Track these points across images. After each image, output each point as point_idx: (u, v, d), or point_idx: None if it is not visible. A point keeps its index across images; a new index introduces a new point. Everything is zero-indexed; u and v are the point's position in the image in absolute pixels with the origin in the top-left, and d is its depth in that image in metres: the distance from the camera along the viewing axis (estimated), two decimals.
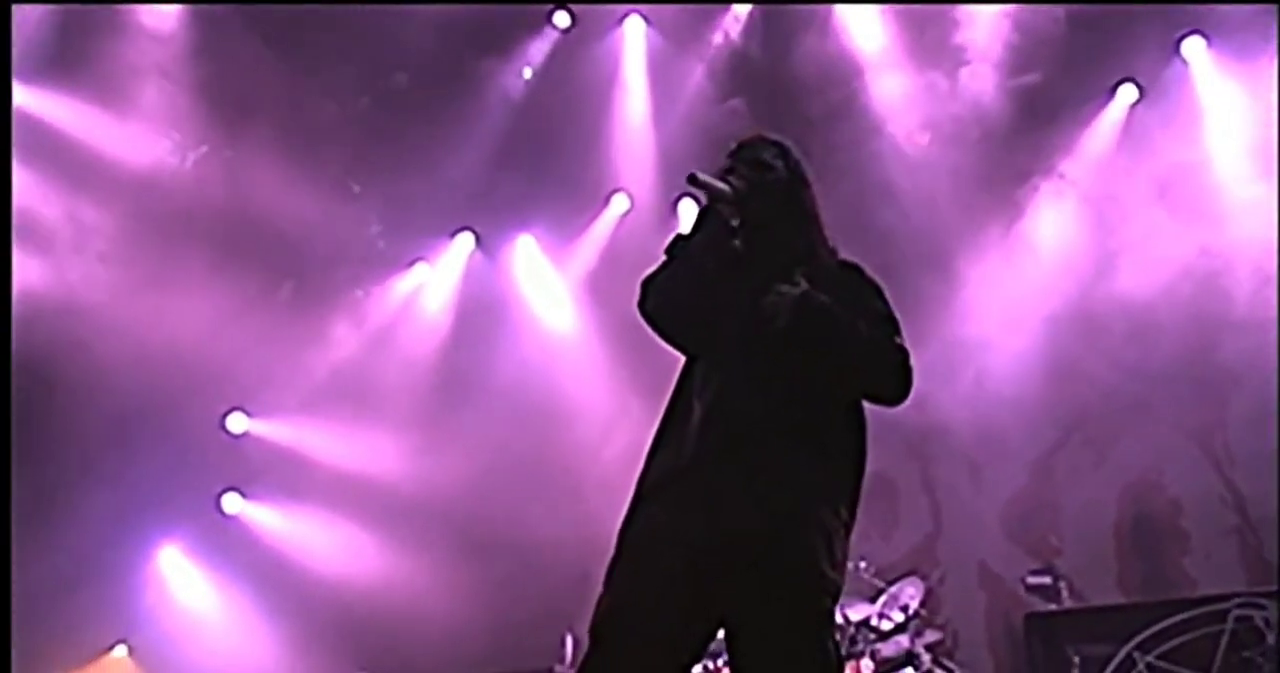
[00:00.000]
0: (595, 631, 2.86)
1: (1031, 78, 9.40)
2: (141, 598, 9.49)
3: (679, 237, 3.09)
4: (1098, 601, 8.47)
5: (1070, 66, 9.28)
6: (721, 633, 2.90)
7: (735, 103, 9.95)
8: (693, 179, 2.99)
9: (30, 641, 8.66)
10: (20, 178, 9.00)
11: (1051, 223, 9.33)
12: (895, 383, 2.93)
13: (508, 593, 8.42)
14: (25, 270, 8.86)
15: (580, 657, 7.85)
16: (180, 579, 9.52)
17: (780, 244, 3.06)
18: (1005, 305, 9.12)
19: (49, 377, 8.63)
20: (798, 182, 3.13)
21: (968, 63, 9.32)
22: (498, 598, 8.53)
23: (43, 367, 8.58)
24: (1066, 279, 9.13)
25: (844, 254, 3.24)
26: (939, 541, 9.45)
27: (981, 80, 9.27)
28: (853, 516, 2.96)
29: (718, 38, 9.71)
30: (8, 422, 6.77)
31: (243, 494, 9.70)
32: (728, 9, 9.66)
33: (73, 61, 9.13)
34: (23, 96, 9.07)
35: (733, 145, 3.21)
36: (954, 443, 9.38)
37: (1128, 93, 9.18)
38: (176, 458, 9.25)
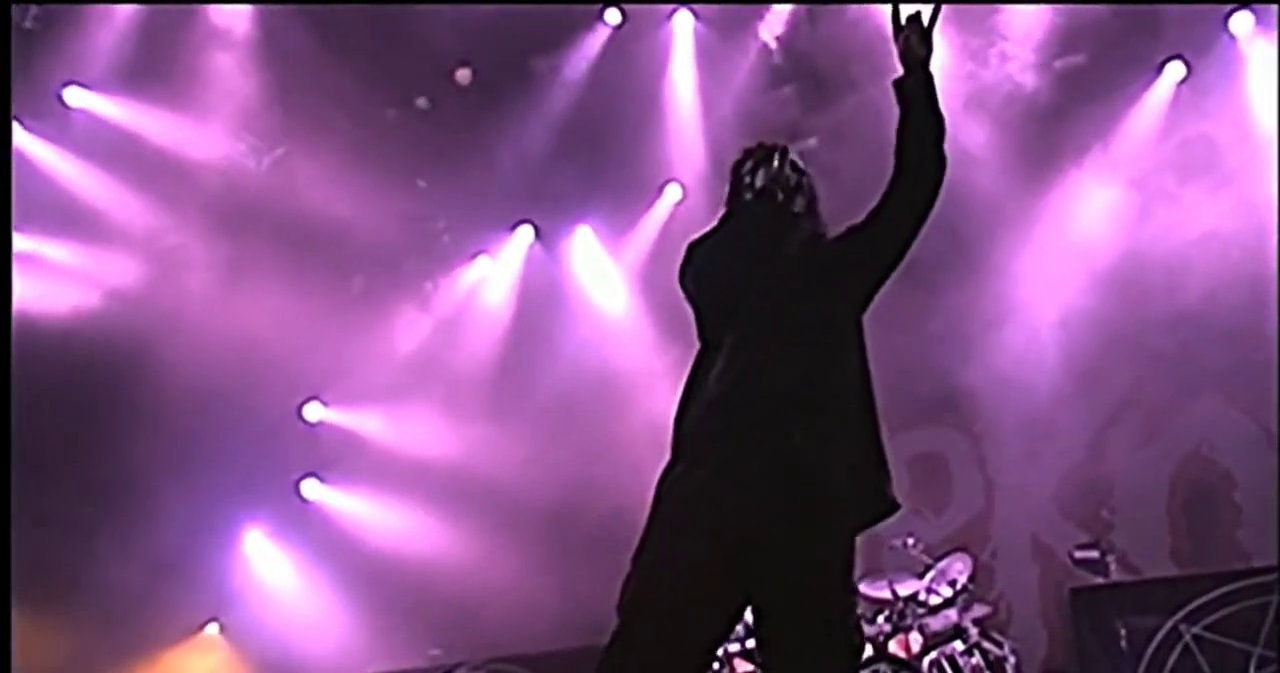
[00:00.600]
0: (624, 611, 2.89)
1: (1076, 58, 9.39)
2: (230, 579, 9.90)
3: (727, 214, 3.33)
4: (1152, 573, 8.54)
5: (1116, 45, 9.24)
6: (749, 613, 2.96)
7: (785, 91, 10.04)
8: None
9: (129, 620, 9.15)
10: (105, 181, 9.46)
11: (1099, 200, 9.31)
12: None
13: (575, 569, 8.60)
14: (114, 271, 9.30)
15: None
16: (264, 561, 9.92)
17: (809, 231, 3.27)
18: (1054, 283, 9.15)
19: (136, 370, 8.97)
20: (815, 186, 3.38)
21: (1010, 42, 9.31)
22: (566, 574, 8.73)
23: (131, 360, 8.97)
24: (1116, 257, 9.11)
25: None
26: (991, 517, 9.53)
27: (1025, 60, 9.25)
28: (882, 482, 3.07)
29: (764, 28, 9.76)
30: (8, 422, 6.74)
31: (320, 479, 10.07)
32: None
33: (152, 71, 9.49)
34: (106, 104, 9.53)
35: (766, 146, 3.43)
36: (1005, 420, 9.43)
37: (1175, 70, 9.12)
38: (258, 446, 9.60)
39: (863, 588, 7.99)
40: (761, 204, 3.26)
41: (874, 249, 3.12)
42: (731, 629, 2.98)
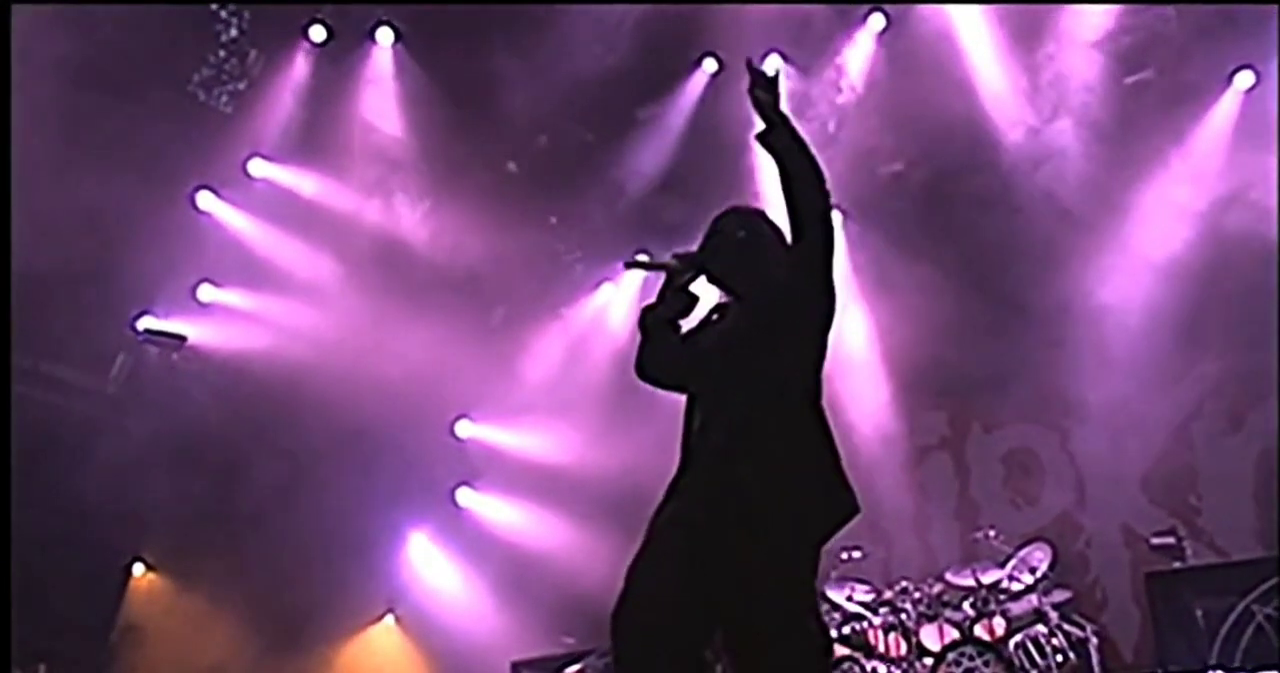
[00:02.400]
0: (613, 622, 3.12)
1: (1145, 74, 9.45)
2: (400, 576, 10.76)
3: (646, 307, 3.52)
4: (1238, 557, 8.55)
5: (1184, 56, 9.25)
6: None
7: (873, 122, 10.34)
8: (631, 264, 3.67)
9: (322, 611, 10.02)
10: (281, 238, 10.38)
11: (1179, 203, 9.32)
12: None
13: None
14: (290, 314, 10.19)
15: None
16: (428, 560, 10.76)
17: (736, 288, 3.44)
18: (1137, 282, 9.22)
19: (313, 397, 9.66)
20: (754, 238, 3.42)
21: (1079, 51, 9.39)
22: None
23: (307, 389, 9.69)
24: (1197, 257, 9.12)
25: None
26: (1084, 507, 9.67)
27: (1095, 69, 9.32)
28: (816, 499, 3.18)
29: (847, 63, 10.11)
30: (8, 423, 6.78)
31: (472, 488, 10.84)
32: (853, 36, 10.05)
33: (318, 142, 10.38)
34: (282, 172, 10.47)
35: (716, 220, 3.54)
36: (1093, 415, 9.55)
37: (1244, 79, 9.10)
38: (418, 461, 10.41)
39: (949, 577, 8.34)
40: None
41: (796, 306, 3.26)
42: (711, 631, 3.15)
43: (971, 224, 10.22)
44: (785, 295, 3.28)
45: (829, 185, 3.27)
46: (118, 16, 9.33)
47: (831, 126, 10.17)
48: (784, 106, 3.31)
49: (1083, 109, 9.33)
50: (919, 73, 9.72)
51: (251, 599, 9.69)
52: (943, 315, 9.79)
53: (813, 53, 10.16)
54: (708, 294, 3.59)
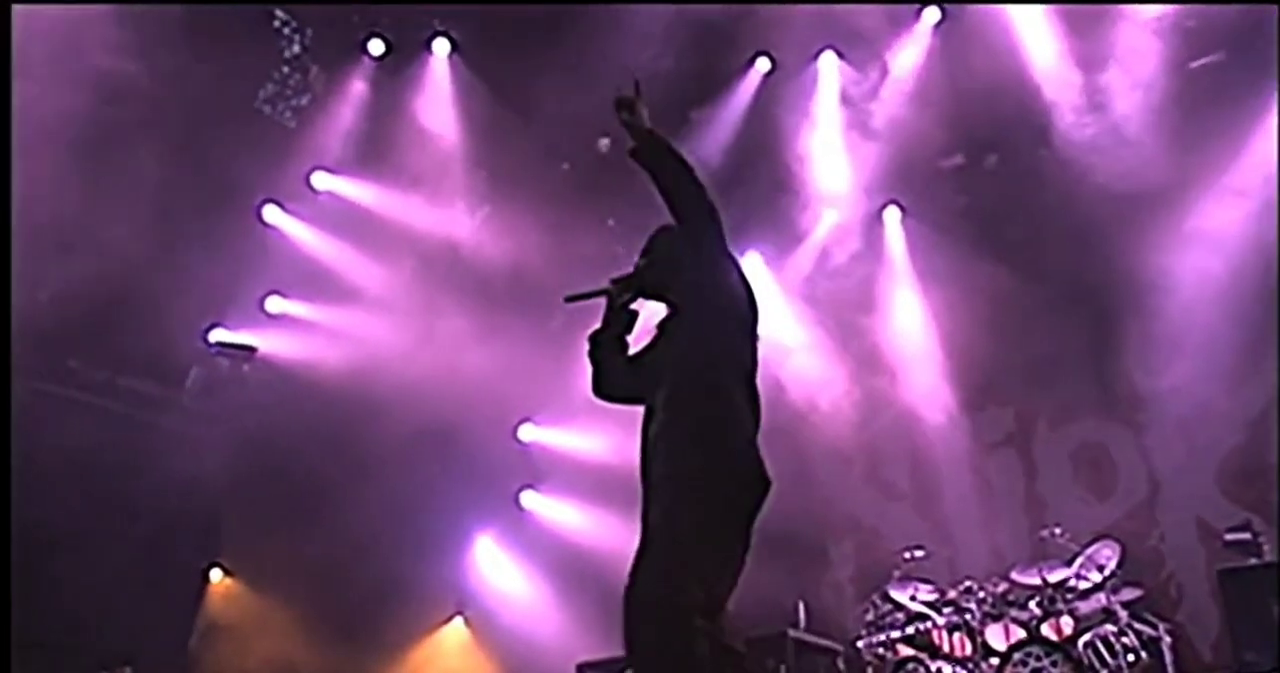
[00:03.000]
0: None
1: (1212, 57, 9.14)
2: (469, 579, 10.79)
3: (593, 333, 3.72)
4: None
5: (1249, 39, 8.92)
6: None
7: (929, 115, 10.12)
8: (568, 298, 3.73)
9: (396, 612, 10.09)
10: (343, 248, 10.50)
11: (1246, 187, 9.00)
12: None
13: (750, 565, 8.96)
14: (355, 324, 10.30)
15: (811, 621, 8.42)
16: (494, 563, 10.78)
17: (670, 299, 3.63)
18: (1207, 269, 8.90)
19: (379, 405, 9.74)
20: (679, 253, 3.57)
21: (1141, 35, 9.10)
22: (746, 573, 9.09)
23: (373, 397, 9.78)
24: (1267, 241, 8.80)
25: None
26: (1156, 502, 9.36)
27: (1157, 53, 9.03)
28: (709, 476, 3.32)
29: (902, 59, 9.91)
30: (8, 424, 6.75)
31: (536, 491, 10.83)
32: (908, 30, 9.85)
33: (378, 153, 10.49)
34: (344, 184, 10.60)
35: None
36: (1165, 409, 9.24)
37: None
38: (483, 465, 10.44)
39: (1014, 576, 8.12)
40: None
41: (704, 301, 3.46)
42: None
43: (1034, 216, 9.97)
44: (694, 294, 3.49)
45: (709, 189, 3.44)
46: (186, 35, 9.55)
47: (887, 122, 9.98)
48: (648, 123, 3.50)
49: (1145, 94, 9.03)
50: (976, 64, 9.52)
51: (324, 602, 9.78)
52: (1005, 310, 9.56)
53: (866, 48, 10.02)
54: (652, 311, 3.75)
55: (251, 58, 10.30)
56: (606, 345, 3.68)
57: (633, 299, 3.67)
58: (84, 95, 8.45)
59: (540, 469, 10.90)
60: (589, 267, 10.89)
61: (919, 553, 8.37)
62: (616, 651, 9.51)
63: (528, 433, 11.02)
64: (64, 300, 9.38)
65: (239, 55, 9.93)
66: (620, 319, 3.68)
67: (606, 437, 10.33)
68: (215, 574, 10.28)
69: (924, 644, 8.01)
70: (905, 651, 8.01)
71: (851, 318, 10.23)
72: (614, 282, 3.65)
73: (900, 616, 8.17)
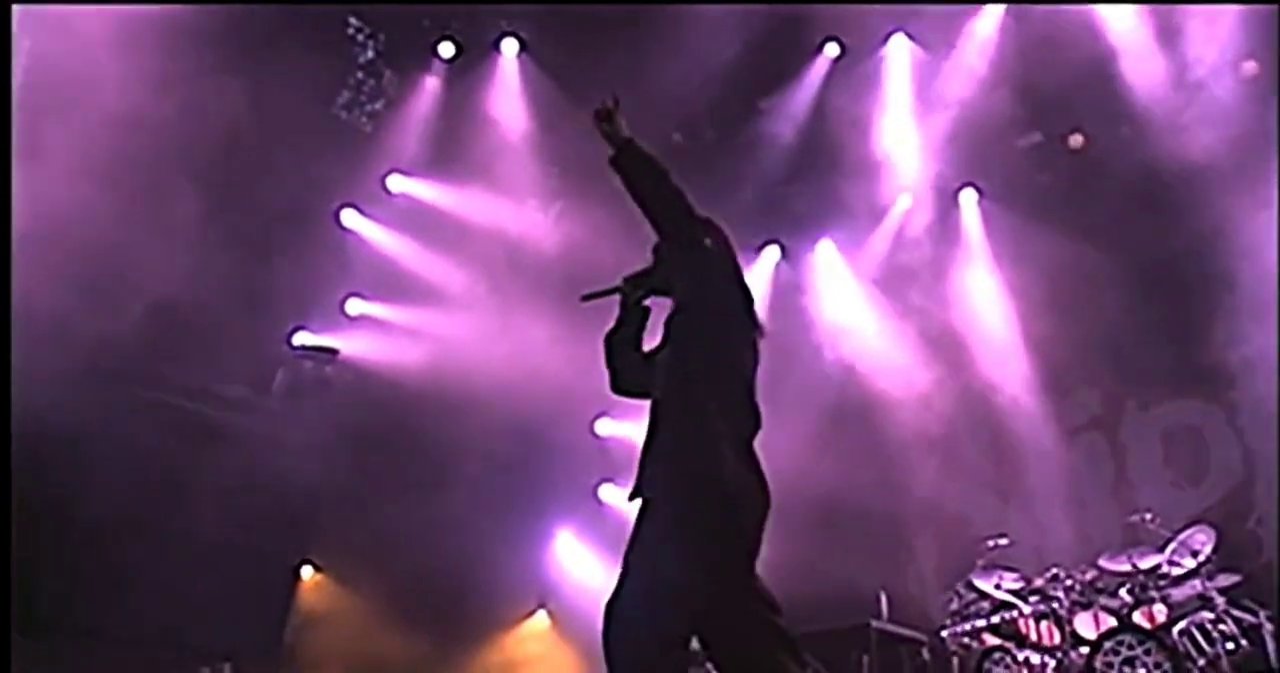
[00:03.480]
0: None
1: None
2: (549, 572, 10.77)
3: (608, 334, 3.82)
4: None
5: None
6: None
7: (1005, 94, 9.82)
8: (584, 297, 3.85)
9: (471, 608, 10.12)
10: (419, 249, 10.56)
11: None
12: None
13: (831, 557, 8.81)
14: (433, 323, 10.36)
15: (896, 613, 8.21)
16: (574, 557, 10.74)
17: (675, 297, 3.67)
18: None
19: (456, 400, 9.75)
20: (681, 257, 3.62)
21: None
22: (823, 561, 8.93)
23: (452, 392, 9.81)
24: None
25: None
26: (1254, 485, 8.94)
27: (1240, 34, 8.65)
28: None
29: (975, 37, 9.62)
30: (8, 425, 6.80)
31: (614, 485, 10.76)
32: (981, 9, 9.56)
33: (450, 155, 10.54)
34: (419, 186, 10.67)
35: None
36: (1260, 388, 8.81)
37: None
38: (562, 460, 10.41)
39: (1102, 563, 7.82)
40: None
41: (688, 305, 3.52)
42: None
43: (1117, 192, 9.59)
44: (684, 298, 3.56)
45: (686, 196, 3.48)
46: (266, 46, 9.70)
47: (960, 103, 9.70)
48: (626, 133, 3.53)
49: (1229, 66, 8.63)
50: (1053, 38, 9.18)
51: (410, 595, 9.85)
52: (1088, 289, 9.23)
53: (939, 29, 9.75)
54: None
55: (328, 65, 10.42)
56: (621, 343, 3.77)
57: (645, 296, 3.75)
58: (168, 107, 8.58)
59: (618, 463, 10.82)
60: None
61: (1003, 541, 8.11)
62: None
63: (605, 427, 10.96)
64: (157, 309, 9.65)
65: (316, 64, 10.03)
66: (635, 316, 3.77)
67: None
68: (306, 571, 10.42)
69: (1010, 634, 7.76)
70: (991, 640, 7.77)
71: (928, 302, 9.97)
72: (627, 280, 3.75)
73: (985, 604, 7.93)
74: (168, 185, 8.88)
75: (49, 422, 7.84)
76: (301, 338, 10.33)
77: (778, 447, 9.54)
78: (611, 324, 3.79)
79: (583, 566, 10.66)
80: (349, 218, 10.56)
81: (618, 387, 3.80)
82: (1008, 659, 7.48)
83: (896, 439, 9.77)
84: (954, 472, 10.23)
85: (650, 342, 3.79)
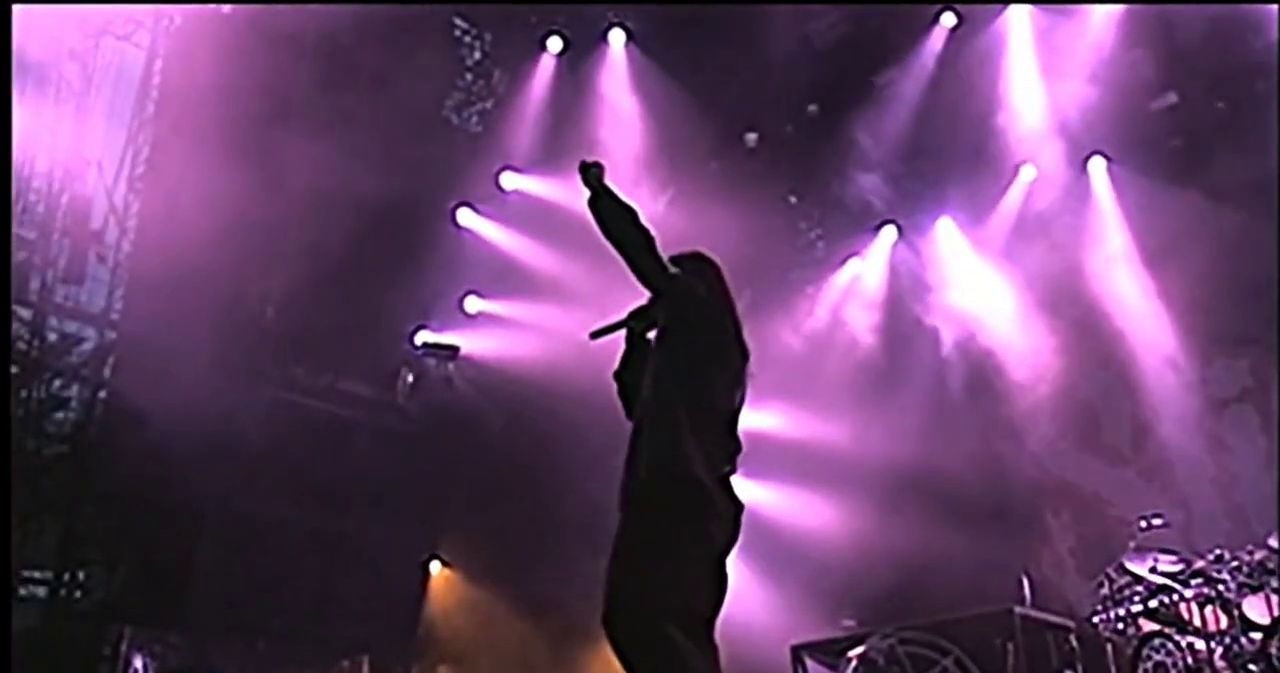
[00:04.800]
0: None
1: None
2: None
3: (615, 372, 3.86)
4: None
5: None
6: None
7: (1137, 56, 9.11)
8: (593, 334, 3.89)
9: (592, 602, 9.80)
10: (533, 245, 10.31)
11: None
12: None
13: (965, 541, 8.28)
14: (548, 318, 10.05)
15: (1037, 598, 7.63)
16: None
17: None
18: None
19: (574, 393, 9.32)
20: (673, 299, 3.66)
21: None
22: (955, 546, 8.40)
23: (569, 385, 9.41)
24: None
25: None
26: None
27: None
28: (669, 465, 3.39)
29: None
30: (8, 424, 6.67)
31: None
32: None
33: (562, 148, 10.27)
34: (531, 182, 10.44)
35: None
36: None
37: None
38: None
39: (1272, 542, 7.09)
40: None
41: (668, 337, 3.62)
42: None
43: (1259, 153, 8.79)
44: (661, 331, 3.68)
45: (657, 243, 3.58)
46: (379, 52, 9.61)
47: (1087, 67, 9.04)
48: (606, 181, 3.63)
49: None
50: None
51: (534, 589, 9.69)
52: (1229, 254, 8.46)
53: None
54: None
55: (437, 67, 10.28)
56: (629, 376, 3.82)
57: (649, 330, 3.81)
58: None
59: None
60: (774, 242, 10.39)
61: (1156, 522, 7.43)
62: (831, 631, 8.98)
63: None
64: (287, 312, 9.65)
65: (425, 66, 9.90)
66: (641, 349, 3.82)
67: (799, 415, 9.79)
68: (434, 566, 10.30)
69: (1170, 619, 7.08)
70: (1148, 626, 7.12)
71: (1058, 276, 9.29)
72: (631, 315, 3.83)
73: (1140, 589, 7.26)
74: (292, 193, 8.85)
75: (196, 425, 7.81)
76: (423, 336, 10.25)
77: (904, 429, 9.10)
78: (618, 362, 3.84)
79: None
80: (465, 217, 10.43)
81: (631, 416, 3.80)
82: (1169, 645, 6.82)
83: (1026, 417, 9.14)
84: (1091, 449, 9.54)
85: None
